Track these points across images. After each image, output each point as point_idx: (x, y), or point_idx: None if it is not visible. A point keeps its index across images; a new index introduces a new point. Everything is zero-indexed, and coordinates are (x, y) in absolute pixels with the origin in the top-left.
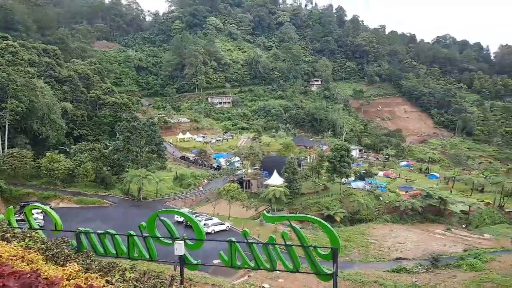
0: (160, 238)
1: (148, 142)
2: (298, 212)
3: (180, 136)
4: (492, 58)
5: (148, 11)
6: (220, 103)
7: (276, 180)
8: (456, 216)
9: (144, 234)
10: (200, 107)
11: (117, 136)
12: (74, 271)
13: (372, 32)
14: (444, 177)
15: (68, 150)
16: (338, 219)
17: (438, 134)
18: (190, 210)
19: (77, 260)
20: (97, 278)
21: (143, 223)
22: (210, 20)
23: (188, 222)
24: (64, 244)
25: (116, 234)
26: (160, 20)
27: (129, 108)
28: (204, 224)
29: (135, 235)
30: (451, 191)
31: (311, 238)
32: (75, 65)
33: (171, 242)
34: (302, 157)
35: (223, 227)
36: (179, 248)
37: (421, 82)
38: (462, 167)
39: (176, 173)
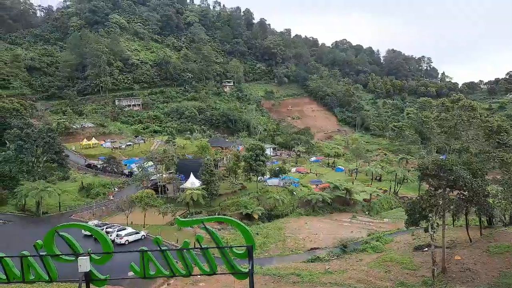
0: (61, 256)
1: (46, 151)
2: (216, 214)
3: (85, 142)
4: (382, 61)
5: (39, 5)
6: (129, 105)
7: (193, 183)
8: (359, 204)
9: (41, 253)
10: (107, 110)
11: (7, 145)
12: None
13: (279, 35)
14: (348, 170)
15: None
16: (256, 216)
17: (341, 130)
18: (100, 222)
19: None
20: None
21: (40, 241)
22: (113, 18)
23: None
24: None
25: (5, 257)
26: (54, 16)
27: (21, 114)
28: (117, 235)
29: (29, 256)
30: (353, 182)
31: (230, 238)
32: None
33: (73, 258)
34: (219, 158)
35: (138, 237)
36: (83, 264)
37: (324, 83)
38: (362, 159)
39: (82, 182)
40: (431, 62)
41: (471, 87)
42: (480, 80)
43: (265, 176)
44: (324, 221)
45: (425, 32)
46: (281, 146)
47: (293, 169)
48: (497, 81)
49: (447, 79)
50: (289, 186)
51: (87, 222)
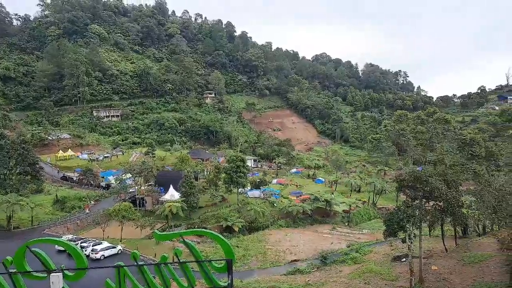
0: (32, 273)
1: (19, 163)
2: (196, 226)
3: (61, 154)
4: (360, 75)
5: (16, 14)
6: (108, 116)
7: (172, 195)
8: (339, 215)
9: (11, 270)
10: (84, 121)
11: None
12: None
13: (260, 48)
14: (328, 181)
15: None
16: (236, 229)
17: (321, 142)
18: (75, 236)
19: None
20: None
21: (9, 258)
22: (93, 28)
23: None
24: None
25: None
26: (31, 25)
27: None
28: (92, 250)
29: None
30: (333, 193)
31: (210, 252)
32: None
33: (46, 275)
34: (199, 170)
35: (114, 251)
36: (56, 281)
37: (304, 96)
38: (342, 171)
39: (57, 195)
40: (407, 76)
41: (445, 100)
42: (453, 94)
43: (246, 188)
44: (305, 233)
45: (401, 47)
46: (262, 158)
47: (274, 181)
48: (469, 95)
49: (423, 93)
50: (270, 197)
51: (61, 237)
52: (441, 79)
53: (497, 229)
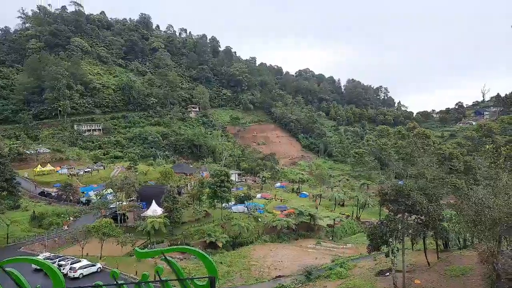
0: None
1: None
2: (179, 242)
3: (40, 168)
4: (342, 90)
5: None
6: (89, 130)
7: (155, 210)
8: (324, 230)
9: None
10: (64, 135)
11: None
12: None
13: (245, 63)
14: (312, 195)
15: None
16: (220, 244)
17: (306, 156)
18: (52, 254)
19: None
20: None
21: None
22: (75, 41)
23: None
24: None
25: None
26: (11, 37)
27: None
28: (70, 268)
29: None
30: (317, 208)
31: (193, 268)
32: None
33: None
34: (182, 185)
35: (93, 269)
36: None
37: (288, 110)
38: (326, 185)
39: (34, 212)
40: (388, 92)
41: (424, 116)
42: (432, 110)
43: (230, 203)
44: (289, 248)
45: (382, 64)
46: (246, 172)
47: (258, 195)
48: (447, 110)
49: (403, 108)
50: (254, 212)
51: (37, 255)
52: (421, 95)
53: (477, 242)
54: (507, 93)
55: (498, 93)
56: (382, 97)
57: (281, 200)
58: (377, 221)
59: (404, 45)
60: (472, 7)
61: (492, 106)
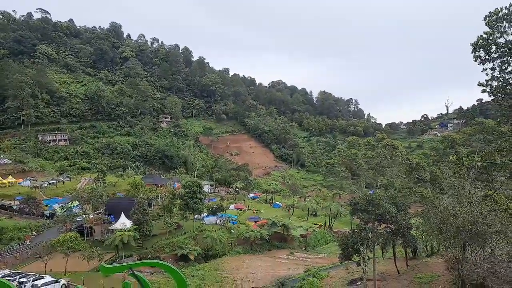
0: None
1: None
2: (149, 256)
3: (0, 180)
4: (315, 101)
5: None
6: (54, 140)
7: (124, 223)
8: (297, 240)
9: None
10: (28, 145)
11: None
12: None
13: (218, 73)
14: (285, 205)
15: None
16: (192, 257)
17: (279, 166)
18: (12, 271)
19: None
20: None
21: None
22: (41, 48)
23: None
24: None
25: None
26: None
27: None
28: (32, 285)
29: None
30: (290, 218)
31: (164, 282)
32: None
33: None
34: (153, 196)
35: (57, 286)
36: None
37: (262, 121)
38: (299, 195)
39: None
40: (358, 104)
41: (393, 127)
42: (400, 121)
43: (202, 214)
44: (263, 259)
45: (352, 76)
46: (219, 183)
47: (231, 206)
48: (414, 122)
49: (372, 120)
50: (227, 224)
51: None
52: (389, 107)
53: (443, 249)
54: (469, 106)
55: (460, 106)
56: (353, 108)
57: (254, 211)
58: (348, 230)
59: (373, 61)
60: (434, 32)
61: (455, 118)
